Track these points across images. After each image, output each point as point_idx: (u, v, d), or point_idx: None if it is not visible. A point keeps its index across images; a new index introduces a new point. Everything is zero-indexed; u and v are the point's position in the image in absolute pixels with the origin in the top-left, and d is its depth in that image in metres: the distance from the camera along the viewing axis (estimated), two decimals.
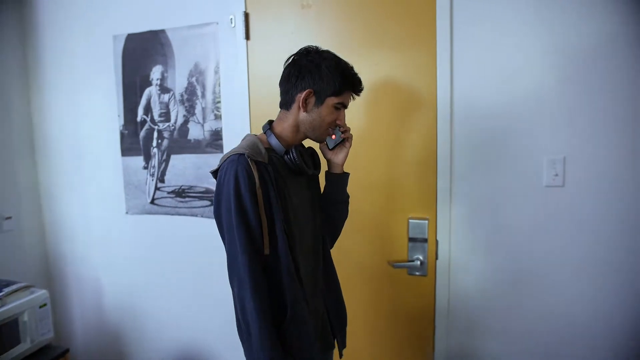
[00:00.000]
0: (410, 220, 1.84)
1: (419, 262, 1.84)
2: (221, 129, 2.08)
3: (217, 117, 2.08)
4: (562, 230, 1.70)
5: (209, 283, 2.21)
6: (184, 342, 2.32)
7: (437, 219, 1.82)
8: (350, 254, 1.94)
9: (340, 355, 1.48)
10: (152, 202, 2.27)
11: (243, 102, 2.01)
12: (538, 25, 1.65)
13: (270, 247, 1.21)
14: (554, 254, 1.72)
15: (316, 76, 1.27)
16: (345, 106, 1.33)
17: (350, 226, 1.87)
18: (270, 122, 1.39)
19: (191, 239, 2.22)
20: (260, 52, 1.98)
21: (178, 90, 2.14)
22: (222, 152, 2.09)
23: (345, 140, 1.40)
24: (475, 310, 1.83)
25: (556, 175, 1.69)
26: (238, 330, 1.27)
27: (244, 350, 1.28)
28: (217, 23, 2.03)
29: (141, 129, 2.24)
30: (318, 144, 1.45)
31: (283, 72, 1.35)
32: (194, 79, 2.11)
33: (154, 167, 2.24)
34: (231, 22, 1.99)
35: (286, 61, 1.35)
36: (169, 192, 2.23)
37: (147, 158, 2.25)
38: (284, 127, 1.34)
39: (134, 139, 2.27)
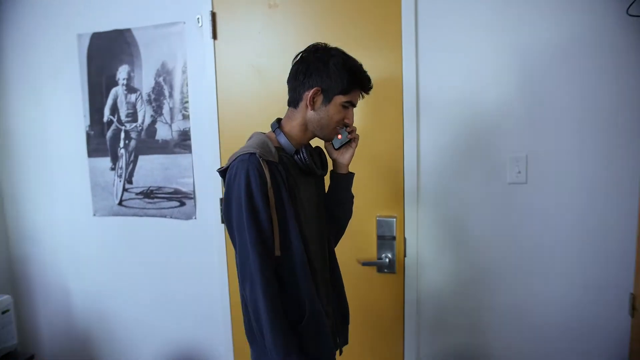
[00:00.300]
0: (378, 219, 1.85)
1: (387, 260, 1.85)
2: (189, 129, 2.06)
3: (185, 117, 2.06)
4: (526, 226, 1.75)
5: (179, 284, 2.19)
6: (155, 345, 2.29)
7: (405, 217, 1.84)
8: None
9: (340, 352, 1.46)
10: (120, 203, 2.23)
11: (211, 102, 2.00)
12: (501, 26, 1.68)
13: (283, 248, 1.19)
14: (519, 250, 1.76)
15: (324, 74, 1.24)
16: (353, 105, 1.30)
17: None
18: (279, 120, 1.35)
19: (160, 240, 2.20)
20: (227, 52, 1.97)
21: (145, 90, 2.11)
22: (190, 152, 2.08)
23: (351, 140, 1.37)
24: (444, 307, 1.86)
25: (519, 172, 1.73)
26: (247, 332, 1.27)
27: (252, 352, 1.27)
28: (184, 22, 2.01)
29: (108, 129, 2.20)
30: (323, 142, 1.42)
31: (291, 69, 1.31)
32: (161, 79, 2.08)
33: (121, 168, 2.21)
34: (198, 22, 1.98)
35: (294, 58, 1.31)
36: (137, 194, 2.20)
37: (115, 159, 2.21)
38: (293, 126, 1.31)
39: (100, 139, 2.22)
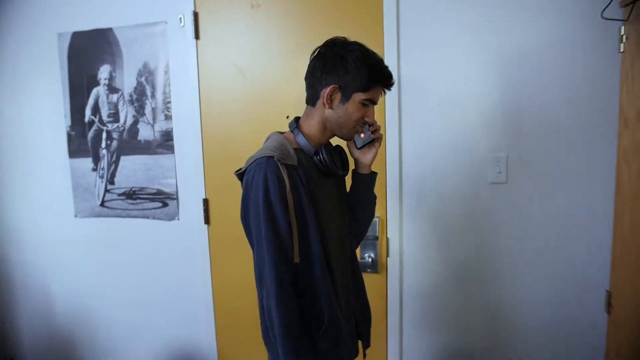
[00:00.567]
0: None
1: (370, 260, 1.86)
2: (172, 129, 2.05)
3: (168, 118, 2.05)
4: (506, 225, 1.77)
5: (162, 286, 2.18)
6: (139, 346, 2.28)
7: (388, 217, 1.85)
8: None
9: (364, 355, 1.42)
10: (102, 204, 2.21)
11: (194, 102, 1.99)
12: (483, 28, 1.70)
13: (302, 254, 1.15)
14: (500, 249, 1.78)
15: (341, 70, 1.17)
16: (374, 102, 1.23)
17: None
18: (297, 119, 1.29)
19: (144, 241, 2.18)
20: (210, 52, 1.96)
21: (127, 90, 2.10)
22: (173, 152, 2.07)
23: (375, 139, 1.30)
24: (427, 306, 1.88)
25: (500, 172, 1.75)
26: (264, 336, 1.25)
27: (269, 356, 1.26)
28: (166, 22, 2.00)
29: (89, 129, 2.18)
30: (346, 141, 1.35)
31: (308, 65, 1.24)
32: (143, 79, 2.06)
33: (103, 168, 2.19)
34: (180, 22, 1.97)
35: (312, 53, 1.24)
36: (119, 194, 2.18)
37: (96, 160, 2.19)
38: (311, 125, 1.24)
39: (82, 140, 2.20)
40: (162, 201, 2.12)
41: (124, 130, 2.13)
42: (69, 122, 2.21)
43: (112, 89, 2.12)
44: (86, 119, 2.18)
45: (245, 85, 1.94)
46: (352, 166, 1.38)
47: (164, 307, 2.20)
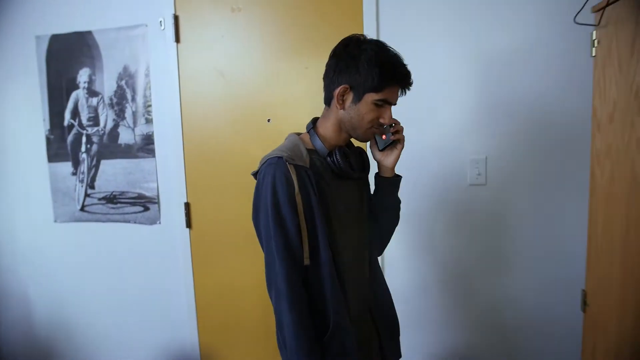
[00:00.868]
0: None
1: None
2: (153, 133, 2.04)
3: (149, 121, 2.04)
4: (486, 226, 1.79)
5: (144, 290, 2.16)
6: (121, 352, 2.25)
7: None
8: None
9: None
10: (82, 209, 2.18)
11: (174, 105, 1.98)
12: (461, 33, 1.73)
13: (312, 256, 1.13)
14: (479, 249, 1.80)
15: (353, 70, 1.13)
16: (389, 103, 1.17)
17: None
18: (315, 120, 1.27)
19: (125, 246, 2.16)
20: (191, 55, 1.96)
21: (107, 94, 2.08)
22: (154, 156, 2.05)
23: (397, 141, 1.25)
24: (409, 307, 1.88)
25: (479, 174, 1.77)
26: (277, 339, 1.21)
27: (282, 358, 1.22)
28: (147, 25, 1.98)
29: (69, 133, 2.16)
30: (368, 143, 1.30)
31: (326, 64, 1.23)
32: (123, 82, 2.05)
33: (83, 173, 2.16)
34: (161, 25, 1.96)
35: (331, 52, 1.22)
36: (99, 199, 2.16)
37: (76, 164, 2.17)
38: (327, 126, 1.22)
39: (61, 144, 2.17)
40: (143, 205, 2.10)
41: (104, 134, 2.11)
42: (47, 126, 2.18)
43: (91, 92, 2.10)
44: (65, 123, 2.15)
45: (226, 88, 1.94)
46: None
47: (146, 312, 2.18)
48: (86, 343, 2.30)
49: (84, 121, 2.13)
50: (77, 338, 2.31)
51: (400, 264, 1.87)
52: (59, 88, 2.14)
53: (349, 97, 1.16)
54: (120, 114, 2.07)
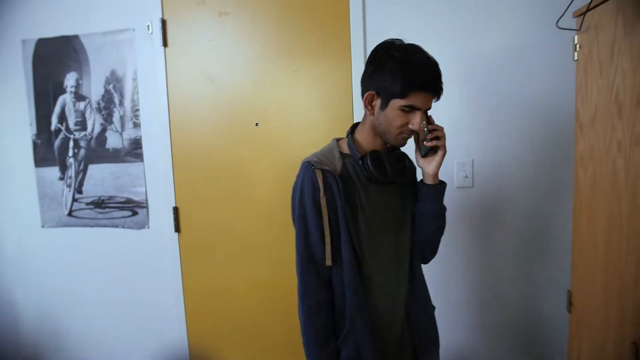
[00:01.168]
0: None
1: None
2: (141, 137, 2.03)
3: (136, 126, 2.03)
4: (474, 228, 1.81)
5: (133, 295, 2.15)
6: (109, 358, 2.23)
7: None
8: (274, 258, 1.95)
9: None
10: (69, 214, 2.17)
11: (162, 110, 1.98)
12: (447, 36, 1.75)
13: (335, 259, 1.17)
14: (468, 251, 1.82)
15: (379, 76, 1.14)
16: (417, 109, 1.15)
17: (274, 233, 1.89)
18: (356, 125, 1.29)
19: (113, 250, 2.15)
20: (178, 60, 1.96)
21: (94, 98, 2.07)
22: (142, 161, 2.04)
23: (437, 147, 1.21)
24: None
25: (466, 177, 1.79)
26: None
27: None
28: (134, 29, 1.98)
29: (56, 138, 2.14)
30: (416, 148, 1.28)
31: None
32: (111, 87, 2.04)
33: (70, 177, 2.15)
34: (148, 29, 1.95)
35: None
36: (87, 204, 2.14)
37: (63, 168, 2.15)
38: (363, 130, 1.25)
39: (48, 148, 2.16)
40: (131, 210, 2.09)
41: (91, 138, 2.10)
42: (34, 130, 2.16)
43: (79, 96, 2.09)
44: (52, 127, 2.14)
45: (214, 92, 1.94)
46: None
47: (135, 317, 2.17)
48: (74, 349, 2.28)
49: (71, 125, 2.12)
50: (65, 344, 2.29)
51: None
52: (45, 92, 2.13)
53: (377, 103, 1.17)
54: (107, 119, 2.06)
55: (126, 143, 2.05)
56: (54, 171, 2.17)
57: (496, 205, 1.78)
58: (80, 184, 2.14)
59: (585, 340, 1.37)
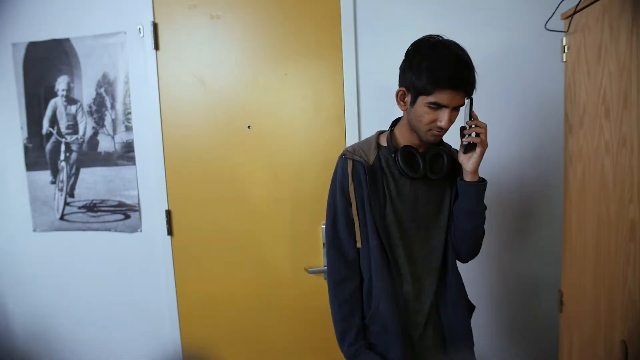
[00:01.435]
0: (323, 226, 1.88)
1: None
2: (133, 140, 2.03)
3: (128, 129, 2.03)
4: None
5: (126, 299, 2.14)
6: None
7: None
8: (268, 261, 1.96)
9: None
10: (61, 218, 2.16)
11: (154, 113, 1.97)
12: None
13: (363, 243, 1.27)
14: None
15: (408, 72, 1.18)
16: (445, 106, 1.14)
17: (268, 236, 1.89)
18: (398, 119, 1.35)
19: (105, 254, 2.14)
20: (170, 63, 1.95)
21: (86, 102, 2.06)
22: (134, 164, 2.04)
23: (476, 144, 1.21)
24: None
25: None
26: None
27: None
28: (125, 33, 1.98)
29: (47, 141, 2.13)
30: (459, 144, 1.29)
31: None
32: (102, 90, 2.04)
33: (62, 181, 2.14)
34: (140, 32, 1.95)
35: None
36: (79, 207, 2.13)
37: (55, 172, 2.14)
38: (401, 125, 1.31)
39: (39, 152, 2.15)
40: (123, 213, 2.08)
41: (83, 142, 2.09)
42: (25, 134, 2.15)
43: (70, 100, 2.08)
44: (44, 131, 2.13)
45: (206, 95, 1.94)
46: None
47: (127, 320, 2.16)
48: (67, 354, 2.26)
49: (63, 129, 2.11)
50: (57, 349, 2.27)
51: None
52: (36, 96, 2.11)
53: (408, 99, 1.22)
54: (99, 122, 2.06)
55: (118, 146, 2.05)
56: (45, 175, 2.15)
57: (489, 205, 1.78)
58: (72, 187, 2.13)
59: (576, 339, 1.38)
